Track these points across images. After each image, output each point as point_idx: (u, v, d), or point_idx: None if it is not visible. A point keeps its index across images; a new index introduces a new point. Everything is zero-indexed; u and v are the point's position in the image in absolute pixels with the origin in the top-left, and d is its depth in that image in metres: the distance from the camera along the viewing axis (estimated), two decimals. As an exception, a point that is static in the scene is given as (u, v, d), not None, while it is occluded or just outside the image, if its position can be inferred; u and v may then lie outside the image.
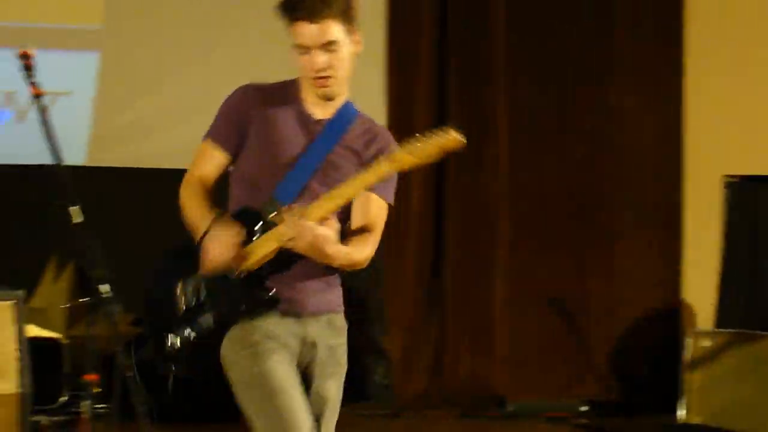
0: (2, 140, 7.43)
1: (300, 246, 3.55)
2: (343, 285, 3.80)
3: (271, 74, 3.85)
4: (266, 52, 6.44)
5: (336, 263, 3.67)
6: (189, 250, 3.69)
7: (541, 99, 8.00)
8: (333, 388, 3.80)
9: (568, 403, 7.76)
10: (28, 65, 3.79)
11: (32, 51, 3.80)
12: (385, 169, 3.54)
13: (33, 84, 3.81)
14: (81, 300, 3.65)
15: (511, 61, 7.95)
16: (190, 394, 6.65)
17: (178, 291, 3.67)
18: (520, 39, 7.96)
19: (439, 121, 7.99)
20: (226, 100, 3.74)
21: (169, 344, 3.63)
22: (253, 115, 3.68)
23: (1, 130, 7.44)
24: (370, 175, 3.56)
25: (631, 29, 8.00)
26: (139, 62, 7.56)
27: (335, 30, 3.59)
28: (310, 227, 3.52)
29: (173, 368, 3.66)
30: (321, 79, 3.63)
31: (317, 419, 3.72)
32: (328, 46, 3.59)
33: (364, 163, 3.70)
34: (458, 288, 8.01)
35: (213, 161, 3.73)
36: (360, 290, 7.89)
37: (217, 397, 5.90)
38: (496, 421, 7.65)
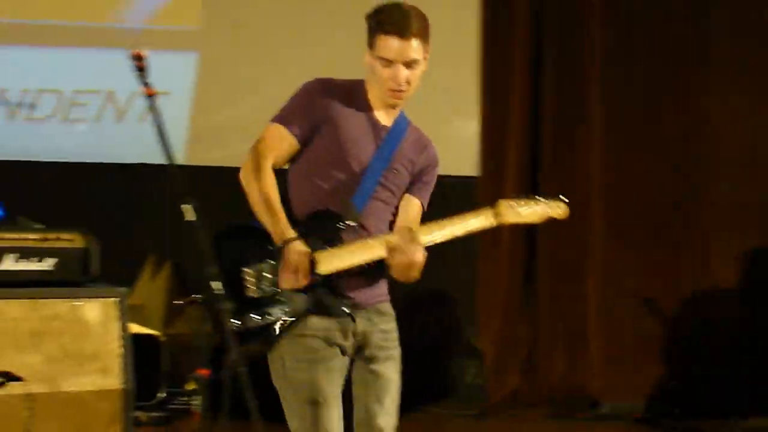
0: (102, 140, 7.53)
1: (397, 261, 3.75)
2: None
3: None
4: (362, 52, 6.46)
5: (405, 281, 3.85)
6: (252, 231, 3.85)
7: (637, 97, 7.93)
8: (392, 368, 3.96)
9: (661, 404, 7.71)
10: (141, 66, 3.84)
11: (145, 52, 3.85)
12: (490, 221, 3.81)
13: (146, 84, 3.86)
14: (193, 297, 3.71)
15: (607, 60, 7.90)
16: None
17: (249, 276, 3.81)
18: (616, 36, 7.92)
19: (533, 120, 7.97)
20: (303, 91, 3.89)
21: (234, 325, 3.73)
22: (328, 112, 3.84)
23: (102, 130, 7.54)
24: (475, 224, 3.81)
25: (729, 27, 7.92)
26: (237, 62, 7.62)
27: (419, 49, 3.80)
28: (415, 251, 3.73)
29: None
30: (397, 92, 3.83)
31: (379, 399, 3.91)
32: (411, 63, 3.80)
33: (416, 170, 3.95)
34: (551, 287, 7.98)
35: (285, 146, 3.87)
36: (452, 290, 7.90)
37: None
38: (587, 422, 7.61)
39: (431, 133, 4.09)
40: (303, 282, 3.75)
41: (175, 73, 7.55)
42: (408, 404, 4.07)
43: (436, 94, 7.77)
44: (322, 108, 3.84)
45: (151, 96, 3.86)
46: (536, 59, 7.96)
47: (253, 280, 3.82)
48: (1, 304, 5.51)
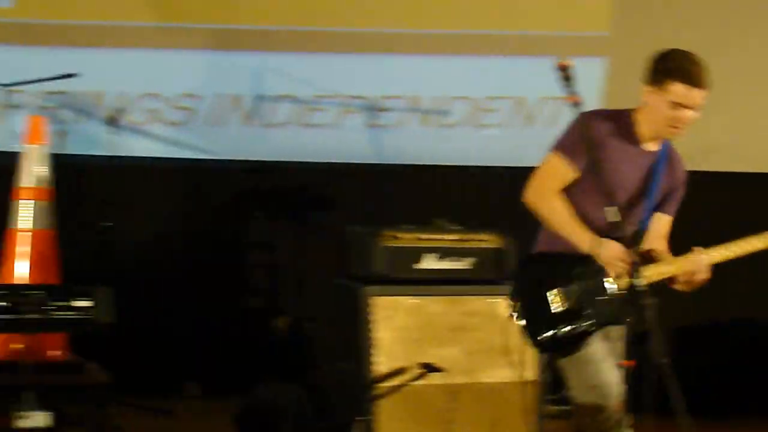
0: (510, 145, 7.76)
1: (687, 279, 4.22)
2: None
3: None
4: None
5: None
6: (546, 257, 4.29)
7: None
8: (618, 346, 4.35)
9: None
10: (567, 76, 4.10)
11: (569, 62, 4.09)
12: None
13: (571, 93, 4.08)
14: (620, 291, 4.00)
15: None
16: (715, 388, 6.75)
17: (558, 296, 4.20)
18: None
19: None
20: (579, 123, 4.23)
21: (543, 337, 4.23)
22: (603, 143, 4.21)
23: (510, 134, 7.78)
24: (758, 244, 4.26)
25: None
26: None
27: (705, 96, 4.19)
28: (705, 272, 4.20)
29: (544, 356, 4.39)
30: (677, 129, 4.22)
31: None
32: (696, 107, 4.19)
33: (669, 189, 4.33)
34: None
35: (563, 178, 4.26)
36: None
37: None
38: None
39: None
40: (628, 264, 4.10)
41: (581, 79, 7.65)
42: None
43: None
44: (596, 140, 4.19)
45: (576, 104, 4.08)
46: None
47: (560, 299, 4.20)
48: (424, 300, 5.86)
